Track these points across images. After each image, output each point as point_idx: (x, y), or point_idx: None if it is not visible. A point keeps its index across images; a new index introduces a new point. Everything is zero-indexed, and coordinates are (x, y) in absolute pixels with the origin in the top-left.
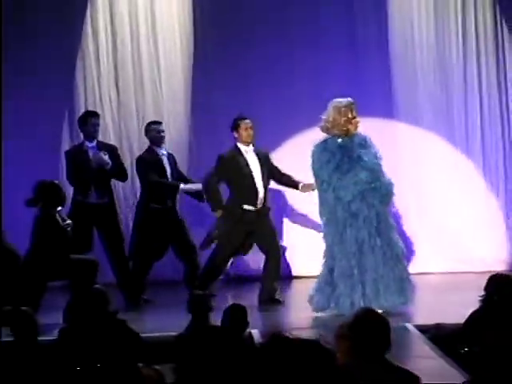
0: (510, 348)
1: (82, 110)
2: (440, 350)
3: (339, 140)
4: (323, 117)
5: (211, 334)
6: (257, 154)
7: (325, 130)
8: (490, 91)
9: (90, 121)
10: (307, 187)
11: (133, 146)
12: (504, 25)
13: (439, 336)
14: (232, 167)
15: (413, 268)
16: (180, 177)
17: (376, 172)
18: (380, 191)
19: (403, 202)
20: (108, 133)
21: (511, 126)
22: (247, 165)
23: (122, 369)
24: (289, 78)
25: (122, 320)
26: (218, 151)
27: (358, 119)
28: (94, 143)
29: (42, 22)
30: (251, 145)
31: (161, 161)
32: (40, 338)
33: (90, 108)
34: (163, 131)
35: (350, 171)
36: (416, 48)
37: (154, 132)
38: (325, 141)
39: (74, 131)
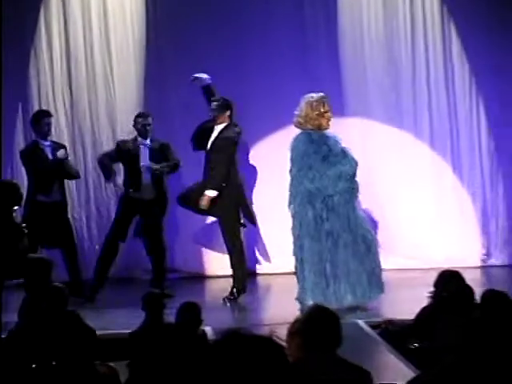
0: (459, 343)
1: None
2: (390, 346)
3: (316, 134)
4: (296, 112)
5: (165, 331)
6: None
7: (298, 124)
8: (438, 86)
9: (43, 120)
10: None
11: (86, 144)
12: (451, 22)
13: (389, 332)
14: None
15: None
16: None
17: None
18: (355, 186)
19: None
20: (62, 132)
21: (458, 120)
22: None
23: (77, 366)
24: (242, 74)
25: (77, 315)
26: None
27: (329, 114)
28: (49, 142)
29: None
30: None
31: (136, 150)
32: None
33: (44, 107)
34: (148, 124)
35: (335, 164)
36: (365, 46)
37: (138, 125)
38: (309, 133)
39: (27, 131)
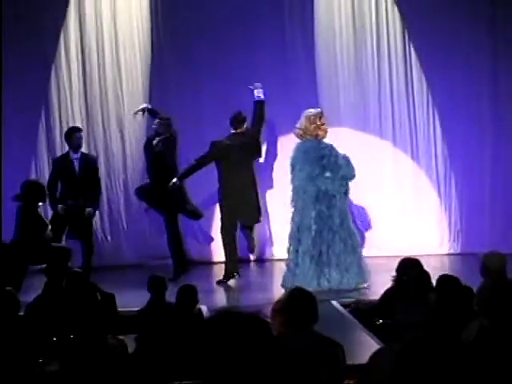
0: (418, 320)
1: (57, 122)
2: (359, 323)
3: (314, 142)
4: (297, 125)
5: (167, 310)
6: None
7: (298, 136)
8: (400, 99)
9: (74, 135)
10: None
11: (99, 149)
12: (411, 45)
13: (359, 310)
14: None
15: None
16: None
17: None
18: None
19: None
20: None
21: (417, 127)
22: None
23: (92, 339)
24: (232, 88)
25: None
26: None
27: (325, 126)
28: (79, 154)
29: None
30: None
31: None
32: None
33: (63, 120)
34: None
35: (336, 168)
36: (338, 68)
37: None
38: (308, 141)
39: (49, 140)
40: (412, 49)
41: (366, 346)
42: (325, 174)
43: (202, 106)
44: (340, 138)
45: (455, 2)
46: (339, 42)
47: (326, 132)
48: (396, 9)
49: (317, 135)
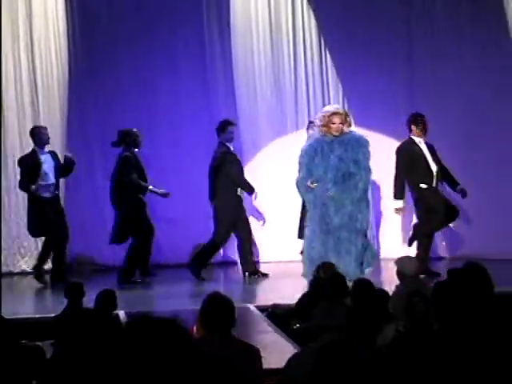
0: (335, 323)
1: None
2: (276, 326)
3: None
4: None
5: (84, 315)
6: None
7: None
8: (316, 100)
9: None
10: None
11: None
12: (327, 48)
13: (275, 314)
14: None
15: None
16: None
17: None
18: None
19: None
20: None
21: None
22: None
23: (6, 345)
24: (151, 94)
25: None
26: (90, 171)
27: (336, 125)
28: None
29: None
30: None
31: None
32: None
33: None
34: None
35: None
36: (256, 72)
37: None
38: (315, 142)
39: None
40: (327, 51)
41: (282, 350)
42: (343, 181)
43: (120, 112)
44: (258, 144)
45: (370, 3)
46: (256, 46)
47: (336, 130)
48: (311, 11)
49: (327, 132)
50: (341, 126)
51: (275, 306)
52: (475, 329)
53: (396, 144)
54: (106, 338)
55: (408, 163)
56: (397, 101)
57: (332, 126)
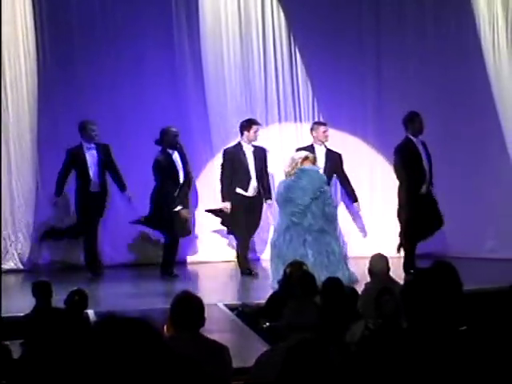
0: (305, 322)
1: None
2: (245, 325)
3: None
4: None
5: (53, 314)
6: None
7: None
8: (286, 98)
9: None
10: None
11: None
12: (296, 46)
13: (245, 313)
14: None
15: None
16: None
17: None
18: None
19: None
20: None
21: (303, 133)
22: None
23: None
24: (119, 98)
25: None
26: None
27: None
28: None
29: None
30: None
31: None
32: None
33: None
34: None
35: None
36: (225, 72)
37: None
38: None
39: None
40: (297, 50)
41: (252, 349)
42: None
43: (88, 115)
44: (228, 144)
45: (339, 3)
46: (226, 47)
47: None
48: (281, 11)
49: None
50: None
51: (245, 305)
52: (444, 327)
53: (362, 143)
54: (76, 337)
55: (407, 162)
56: (365, 99)
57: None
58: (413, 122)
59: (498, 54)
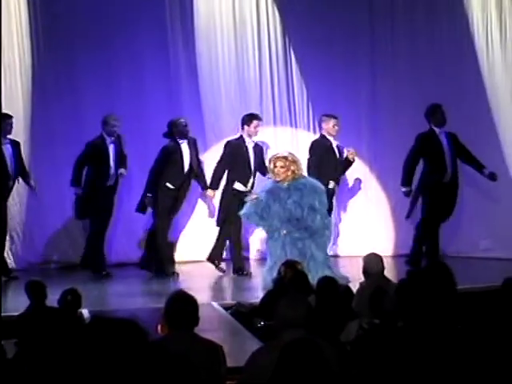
0: (297, 320)
1: None
2: (240, 324)
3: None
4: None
5: (47, 313)
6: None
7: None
8: (281, 99)
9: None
10: None
11: None
12: (291, 44)
13: (239, 312)
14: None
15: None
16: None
17: None
18: None
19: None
20: None
21: (298, 134)
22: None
23: None
24: (115, 96)
25: None
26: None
27: (277, 168)
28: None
29: None
30: None
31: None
32: None
33: None
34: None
35: None
36: (220, 72)
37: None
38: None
39: None
40: (292, 50)
41: (247, 348)
42: None
43: (84, 114)
44: (222, 144)
45: (333, 1)
46: (221, 46)
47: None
48: (276, 10)
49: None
50: (282, 170)
51: (239, 304)
52: (438, 326)
53: (356, 140)
54: (69, 337)
55: (422, 153)
56: (359, 97)
57: (274, 169)
58: (434, 113)
59: (492, 54)
